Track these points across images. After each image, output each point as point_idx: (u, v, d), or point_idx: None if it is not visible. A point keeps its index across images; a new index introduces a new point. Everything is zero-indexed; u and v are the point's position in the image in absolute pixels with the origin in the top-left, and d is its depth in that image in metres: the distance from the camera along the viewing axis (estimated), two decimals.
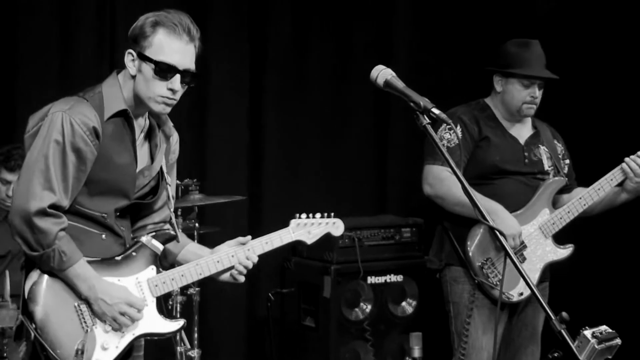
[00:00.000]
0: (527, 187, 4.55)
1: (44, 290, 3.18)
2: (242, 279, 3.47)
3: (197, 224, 5.22)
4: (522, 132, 4.63)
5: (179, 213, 5.25)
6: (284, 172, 6.14)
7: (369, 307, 5.58)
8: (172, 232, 3.44)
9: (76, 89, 3.31)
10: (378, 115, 6.41)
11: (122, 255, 3.31)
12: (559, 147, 4.72)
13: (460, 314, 4.51)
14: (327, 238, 5.49)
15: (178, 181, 5.26)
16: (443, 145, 4.40)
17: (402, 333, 5.64)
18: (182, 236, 3.51)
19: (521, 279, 4.27)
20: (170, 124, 3.45)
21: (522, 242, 4.45)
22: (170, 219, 3.49)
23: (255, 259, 3.44)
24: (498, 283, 4.40)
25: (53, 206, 3.12)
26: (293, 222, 3.54)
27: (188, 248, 3.51)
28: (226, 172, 5.91)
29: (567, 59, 5.89)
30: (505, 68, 4.52)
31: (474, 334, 4.48)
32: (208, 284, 5.66)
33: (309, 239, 3.57)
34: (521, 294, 4.43)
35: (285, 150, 6.14)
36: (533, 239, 4.50)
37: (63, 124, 3.12)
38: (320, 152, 6.26)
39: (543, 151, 4.63)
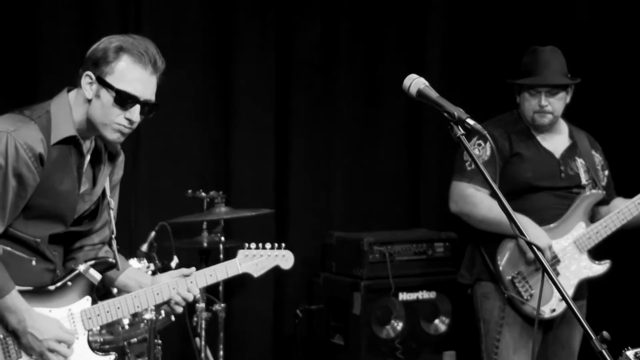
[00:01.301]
0: (563, 201, 4.54)
1: None
2: (179, 309, 3.41)
3: (222, 238, 5.23)
4: (558, 144, 4.62)
5: (204, 226, 5.27)
6: (312, 185, 6.13)
7: (401, 324, 5.56)
8: (112, 260, 3.37)
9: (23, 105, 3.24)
10: (410, 126, 6.39)
11: (55, 285, 3.25)
12: (597, 158, 4.70)
13: (491, 331, 4.51)
14: (358, 252, 5.54)
15: (204, 193, 5.29)
16: (471, 162, 4.42)
17: (435, 352, 5.62)
18: (121, 260, 3.43)
19: (554, 295, 4.35)
20: (116, 147, 3.38)
21: (555, 257, 4.43)
22: (111, 244, 3.42)
23: (197, 292, 3.40)
24: (529, 298, 4.39)
25: None
26: (241, 252, 3.51)
27: (127, 273, 3.46)
28: (253, 185, 5.91)
29: (607, 67, 5.87)
30: (515, 79, 4.55)
31: (504, 352, 4.47)
32: (234, 299, 5.67)
33: (256, 272, 3.52)
34: (553, 310, 4.42)
35: (313, 162, 6.14)
36: (567, 254, 4.49)
37: (7, 147, 3.04)
38: (350, 163, 6.25)
39: (580, 164, 4.61)
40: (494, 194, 2.84)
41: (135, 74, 3.11)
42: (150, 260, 4.66)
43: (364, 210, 6.17)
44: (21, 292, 3.15)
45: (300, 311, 5.62)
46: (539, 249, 2.88)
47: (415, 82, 2.95)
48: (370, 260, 5.52)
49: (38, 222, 3.18)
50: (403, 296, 5.56)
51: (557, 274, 4.42)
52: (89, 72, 3.12)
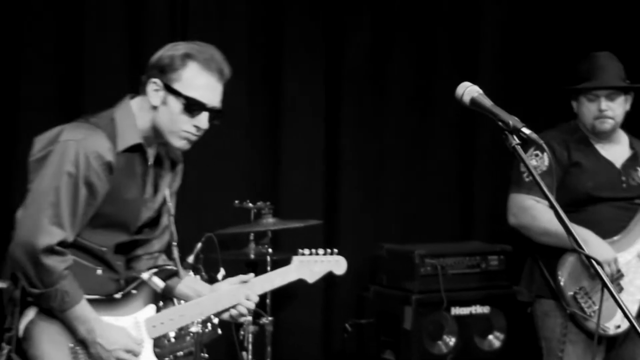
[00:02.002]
0: (625, 213, 4.47)
1: (40, 331, 3.14)
2: (242, 319, 3.47)
3: (270, 250, 5.22)
4: (618, 154, 4.56)
5: (252, 238, 5.26)
6: (362, 195, 6.12)
7: (453, 340, 5.52)
8: (174, 268, 3.43)
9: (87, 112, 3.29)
10: (463, 135, 6.36)
11: (122, 293, 3.30)
12: None
13: (553, 350, 4.46)
14: (409, 265, 5.51)
15: (251, 204, 5.29)
16: (529, 174, 4.37)
17: None
18: (180, 270, 3.49)
19: (618, 310, 4.25)
20: (179, 153, 3.43)
21: (619, 271, 4.37)
22: (172, 252, 3.46)
23: (256, 299, 3.43)
24: (593, 314, 4.32)
25: (60, 243, 3.08)
26: (295, 259, 3.56)
27: (186, 283, 3.49)
28: (301, 195, 5.91)
29: None
30: (572, 85, 4.50)
31: None
32: (281, 313, 5.66)
33: (311, 278, 3.57)
34: (618, 326, 4.34)
35: (363, 172, 6.13)
36: (631, 268, 4.42)
37: (78, 156, 3.08)
38: (401, 173, 6.23)
39: None
40: (550, 205, 2.80)
41: (203, 81, 3.17)
42: (196, 272, 4.66)
43: (415, 222, 6.14)
44: (89, 301, 3.20)
45: (349, 325, 5.61)
46: (598, 262, 2.83)
47: (468, 90, 2.93)
48: (422, 273, 5.49)
49: (104, 230, 3.23)
50: (455, 311, 5.51)
51: (621, 288, 4.36)
52: (156, 80, 3.17)
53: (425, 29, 6.26)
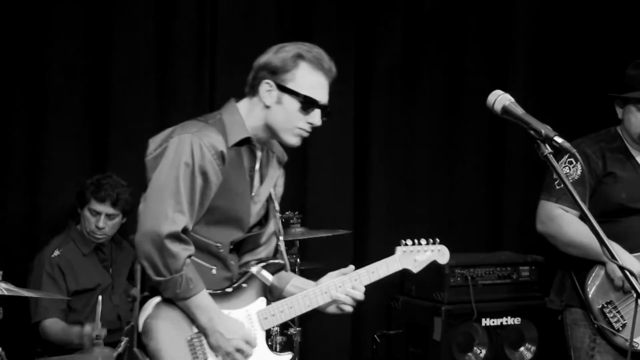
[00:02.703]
0: None
1: (159, 325, 3.28)
2: (349, 309, 3.53)
3: (298, 259, 5.24)
4: None
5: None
6: (391, 205, 6.12)
7: (484, 351, 5.51)
8: (282, 262, 3.54)
9: (183, 118, 3.42)
10: (493, 143, 6.35)
11: (233, 287, 3.41)
12: None
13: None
14: (438, 276, 5.50)
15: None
16: (560, 182, 4.35)
17: None
18: (284, 272, 3.59)
19: None
20: (283, 151, 3.58)
21: None
22: (279, 247, 3.58)
23: (362, 289, 3.50)
24: (621, 328, 4.30)
25: (184, 230, 3.23)
26: (399, 249, 3.60)
27: (293, 283, 3.57)
28: (330, 205, 5.92)
29: None
30: (622, 92, 4.44)
31: None
32: (309, 323, 5.66)
33: (415, 267, 3.63)
34: None
35: (392, 182, 6.13)
36: None
37: (192, 147, 3.24)
38: (430, 183, 6.23)
39: None
40: (583, 215, 2.79)
41: (315, 80, 3.35)
42: None
43: (445, 232, 6.11)
44: None
45: (378, 336, 5.61)
46: (632, 274, 2.82)
47: (500, 99, 2.94)
48: (452, 283, 5.48)
49: (219, 227, 3.36)
50: (486, 322, 5.51)
51: None
52: (268, 80, 3.34)
53: (455, 34, 6.26)
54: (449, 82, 6.27)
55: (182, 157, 3.23)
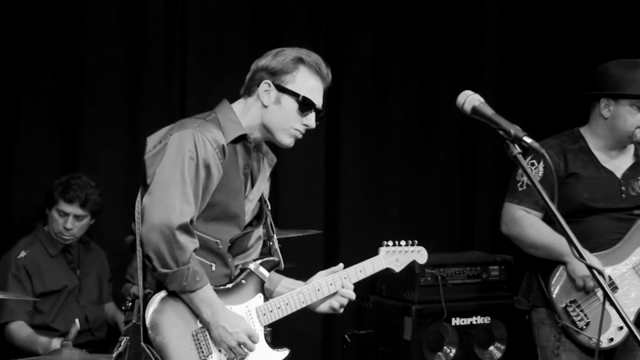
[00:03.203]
0: (622, 224, 4.47)
1: (165, 319, 3.33)
2: (341, 309, 3.65)
3: None
4: (620, 163, 4.54)
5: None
6: (363, 205, 6.13)
7: (453, 351, 5.53)
8: (277, 259, 3.61)
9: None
10: (464, 144, 6.38)
11: (232, 283, 3.47)
12: None
13: (547, 359, 4.47)
14: (409, 275, 5.54)
15: None
16: (523, 182, 4.42)
17: None
18: (274, 273, 3.65)
19: (612, 323, 4.30)
20: (272, 154, 3.67)
21: (613, 284, 4.38)
22: (272, 244, 3.66)
23: (351, 287, 3.63)
24: (585, 327, 4.36)
25: (192, 221, 3.29)
26: (382, 249, 3.76)
27: (283, 284, 3.67)
28: (300, 205, 5.93)
29: None
30: (613, 90, 4.45)
31: None
32: (280, 322, 5.67)
33: (397, 267, 3.79)
34: (611, 339, 4.37)
35: (363, 182, 6.14)
36: (625, 280, 4.43)
37: (196, 141, 3.31)
38: (402, 182, 6.24)
39: None
40: (551, 214, 2.83)
41: (313, 83, 3.48)
42: None
43: (415, 231, 6.14)
44: None
45: (348, 336, 5.59)
46: (600, 273, 2.86)
47: (470, 99, 2.96)
48: (422, 283, 5.50)
49: (217, 223, 3.42)
50: (456, 321, 5.53)
51: None
52: (268, 81, 3.44)
53: (426, 39, 6.28)
54: (421, 83, 6.29)
55: (186, 151, 3.30)
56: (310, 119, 3.48)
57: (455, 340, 5.54)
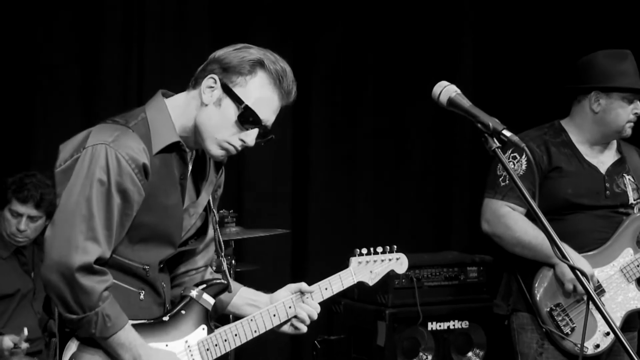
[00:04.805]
0: (607, 223, 4.46)
1: None
2: (304, 329, 3.37)
3: (233, 261, 5.21)
4: (604, 159, 4.54)
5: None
6: (332, 202, 6.14)
7: (430, 357, 5.53)
8: (224, 282, 3.29)
9: (110, 112, 3.21)
10: (440, 139, 6.39)
11: (169, 315, 3.16)
12: None
13: None
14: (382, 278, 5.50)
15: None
16: (506, 177, 4.38)
17: None
18: (231, 281, 3.38)
19: (597, 329, 4.30)
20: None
21: (600, 287, 4.38)
22: (221, 265, 3.34)
23: (316, 308, 3.37)
24: (570, 332, 4.35)
25: (98, 260, 2.95)
26: (354, 260, 3.47)
27: (241, 294, 3.40)
28: (267, 203, 5.92)
29: None
30: (604, 83, 4.44)
31: None
32: None
33: (372, 280, 3.52)
34: (597, 345, 4.36)
35: (333, 179, 6.15)
36: (613, 283, 4.42)
37: (108, 161, 2.95)
38: (374, 179, 6.26)
39: (628, 181, 4.53)
40: (533, 212, 2.81)
41: (267, 95, 3.06)
42: None
43: (389, 231, 6.15)
44: (134, 326, 3.06)
45: (318, 342, 5.60)
46: (583, 274, 2.84)
47: (445, 90, 2.94)
48: (396, 285, 5.50)
49: (145, 245, 3.08)
50: (432, 326, 5.53)
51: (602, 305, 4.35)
52: (214, 76, 3.05)
53: (400, 30, 6.30)
54: (393, 75, 6.30)
55: (96, 173, 2.94)
56: (250, 135, 3.05)
57: (431, 345, 5.54)
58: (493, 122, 2.84)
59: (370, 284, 3.51)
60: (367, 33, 6.22)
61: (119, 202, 2.97)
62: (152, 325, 3.12)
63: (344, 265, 5.73)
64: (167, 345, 3.13)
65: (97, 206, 2.94)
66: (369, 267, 3.50)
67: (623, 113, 4.43)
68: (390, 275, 3.41)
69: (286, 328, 3.36)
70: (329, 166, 6.14)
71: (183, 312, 3.18)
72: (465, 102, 2.91)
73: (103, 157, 2.95)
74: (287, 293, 3.36)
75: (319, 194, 6.10)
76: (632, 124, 4.45)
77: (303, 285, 3.38)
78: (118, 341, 3.01)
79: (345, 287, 3.45)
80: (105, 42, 5.54)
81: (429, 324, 5.52)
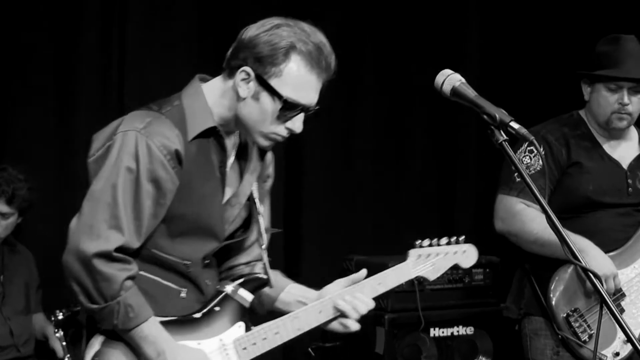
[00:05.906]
0: (629, 221, 4.45)
1: None
2: (355, 326, 3.31)
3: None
4: (626, 152, 4.52)
5: None
6: (329, 201, 6.14)
7: None
8: (263, 276, 3.26)
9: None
10: (443, 132, 6.40)
11: (202, 312, 3.15)
12: None
13: None
14: None
15: None
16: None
17: None
18: (277, 276, 3.35)
19: (617, 336, 4.28)
20: None
21: (620, 290, 4.36)
22: (262, 258, 3.31)
23: (367, 303, 3.30)
24: (587, 339, 4.32)
25: (121, 249, 2.97)
26: (413, 253, 3.41)
27: (289, 290, 3.37)
28: None
29: None
30: (590, 70, 4.44)
31: None
32: None
33: (433, 274, 3.45)
34: (617, 354, 4.34)
35: (330, 175, 6.16)
36: (634, 287, 4.41)
37: (138, 148, 2.98)
38: (373, 174, 6.27)
39: None
40: (542, 210, 2.80)
41: (305, 79, 3.07)
42: None
43: (388, 231, 6.15)
44: (164, 324, 3.07)
45: (312, 350, 5.60)
46: (597, 276, 2.83)
47: (449, 79, 2.93)
48: (396, 289, 5.47)
49: (186, 239, 3.10)
50: (435, 332, 5.53)
51: (622, 310, 4.34)
52: (247, 68, 3.04)
53: (403, 18, 6.30)
54: (394, 66, 6.31)
55: (124, 160, 2.97)
56: (295, 123, 3.08)
57: (434, 353, 5.53)
58: (500, 114, 2.82)
59: (431, 278, 3.43)
60: (367, 24, 6.25)
61: (151, 191, 3.00)
62: (182, 323, 3.12)
63: (341, 265, 5.74)
64: (199, 344, 3.11)
65: (122, 194, 2.98)
66: (431, 259, 3.43)
67: (604, 103, 4.41)
68: (464, 269, 3.33)
69: (335, 325, 3.31)
70: (325, 160, 6.19)
71: (217, 308, 3.17)
72: (470, 92, 2.90)
73: (133, 145, 2.99)
74: (336, 287, 3.32)
75: (314, 192, 6.11)
76: (621, 115, 4.40)
77: (355, 277, 3.32)
78: (141, 334, 3.02)
79: (400, 282, 3.37)
80: (81, 22, 5.54)
81: (432, 329, 5.52)
